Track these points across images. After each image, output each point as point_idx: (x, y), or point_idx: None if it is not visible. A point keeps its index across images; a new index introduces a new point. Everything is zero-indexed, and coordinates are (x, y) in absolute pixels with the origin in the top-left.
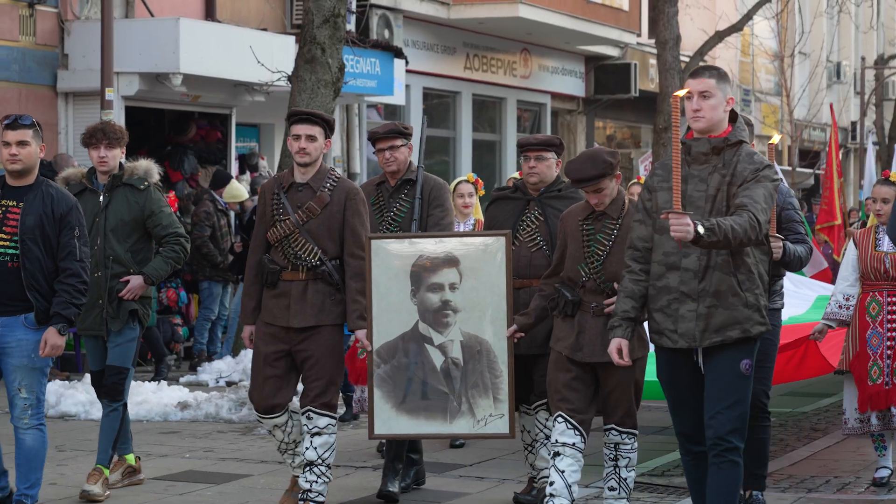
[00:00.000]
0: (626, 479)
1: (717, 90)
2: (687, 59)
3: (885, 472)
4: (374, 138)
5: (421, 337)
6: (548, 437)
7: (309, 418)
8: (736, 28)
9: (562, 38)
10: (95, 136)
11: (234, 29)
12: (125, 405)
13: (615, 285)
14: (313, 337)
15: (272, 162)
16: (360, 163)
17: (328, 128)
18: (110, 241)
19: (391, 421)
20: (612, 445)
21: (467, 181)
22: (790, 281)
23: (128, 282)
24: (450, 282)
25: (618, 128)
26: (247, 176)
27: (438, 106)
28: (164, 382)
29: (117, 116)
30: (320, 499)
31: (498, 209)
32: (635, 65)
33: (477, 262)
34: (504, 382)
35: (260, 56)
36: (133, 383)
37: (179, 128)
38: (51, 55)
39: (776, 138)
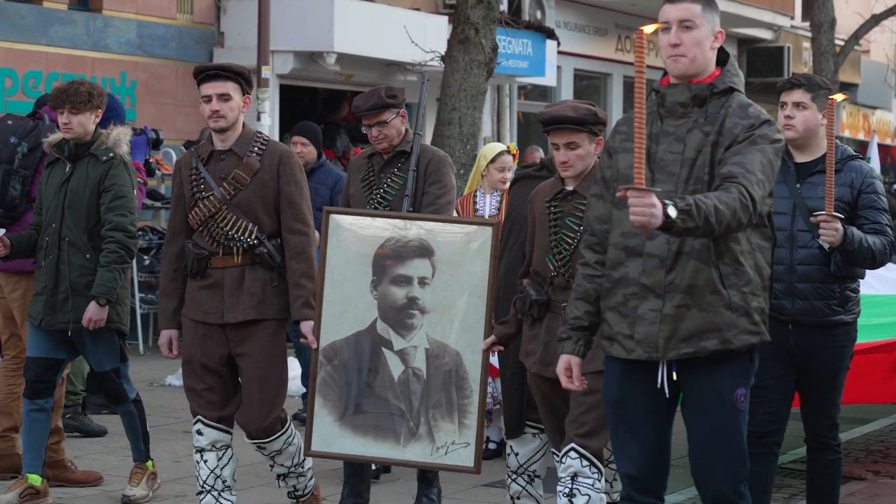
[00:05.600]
0: None
1: (701, 19)
2: (842, 43)
3: None
4: (358, 113)
5: (379, 339)
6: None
7: (261, 448)
8: (893, 11)
9: None
10: (59, 99)
11: (387, 8)
12: (136, 401)
13: None
14: (253, 338)
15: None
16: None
17: (244, 82)
18: (66, 221)
19: (332, 437)
20: (570, 477)
21: (508, 152)
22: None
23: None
24: (419, 275)
25: (769, 111)
26: None
27: (588, 87)
28: None
29: (272, 95)
30: (311, 486)
31: (521, 190)
32: (788, 48)
33: (455, 254)
34: (473, 405)
35: (413, 35)
36: None
37: (332, 106)
38: (207, 33)
39: (838, 96)
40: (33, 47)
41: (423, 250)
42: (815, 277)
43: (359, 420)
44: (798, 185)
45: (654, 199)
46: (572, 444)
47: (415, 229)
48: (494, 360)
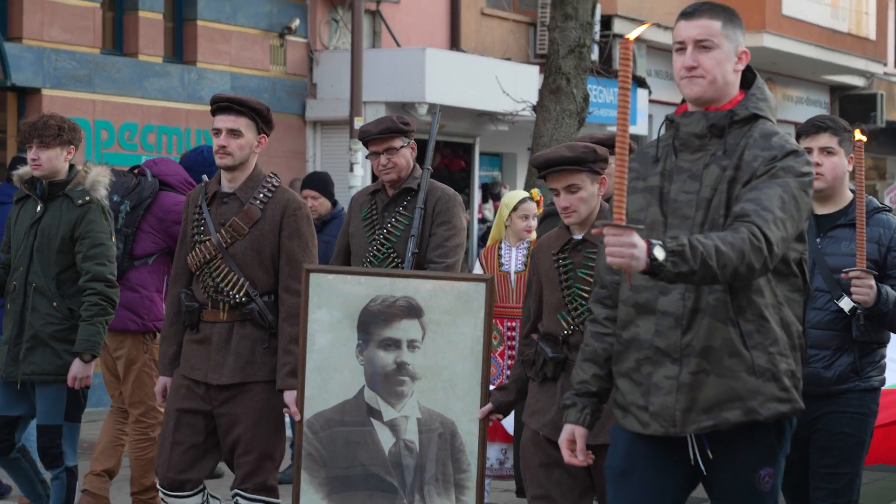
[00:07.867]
0: None
1: (722, 38)
2: None
3: None
4: (366, 139)
5: (367, 408)
6: None
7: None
8: None
9: (807, 67)
10: (28, 134)
11: (478, 59)
12: (70, 471)
13: None
14: (240, 397)
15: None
16: None
17: (261, 120)
18: (34, 265)
19: None
20: None
21: (531, 199)
22: None
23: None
24: (409, 338)
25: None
26: (489, 205)
27: None
28: None
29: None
30: None
31: (548, 229)
32: (881, 95)
33: (447, 314)
34: (471, 480)
35: (504, 86)
36: None
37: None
38: (300, 84)
39: (860, 135)
40: (129, 100)
41: (412, 310)
42: (827, 344)
43: (348, 498)
44: (818, 240)
45: (636, 238)
46: None
47: (402, 287)
48: (508, 422)
